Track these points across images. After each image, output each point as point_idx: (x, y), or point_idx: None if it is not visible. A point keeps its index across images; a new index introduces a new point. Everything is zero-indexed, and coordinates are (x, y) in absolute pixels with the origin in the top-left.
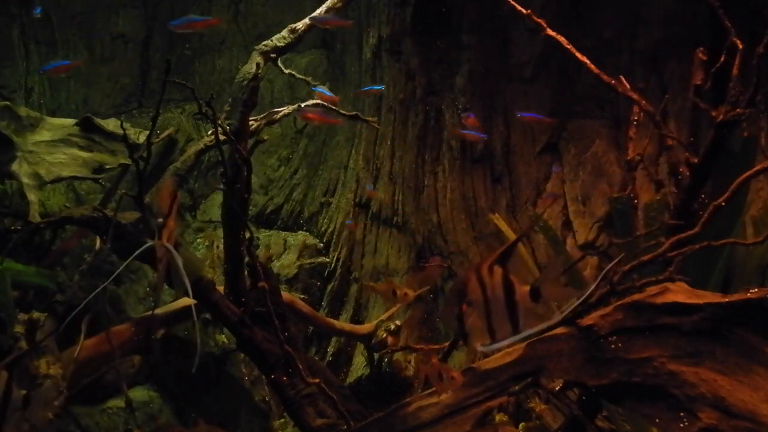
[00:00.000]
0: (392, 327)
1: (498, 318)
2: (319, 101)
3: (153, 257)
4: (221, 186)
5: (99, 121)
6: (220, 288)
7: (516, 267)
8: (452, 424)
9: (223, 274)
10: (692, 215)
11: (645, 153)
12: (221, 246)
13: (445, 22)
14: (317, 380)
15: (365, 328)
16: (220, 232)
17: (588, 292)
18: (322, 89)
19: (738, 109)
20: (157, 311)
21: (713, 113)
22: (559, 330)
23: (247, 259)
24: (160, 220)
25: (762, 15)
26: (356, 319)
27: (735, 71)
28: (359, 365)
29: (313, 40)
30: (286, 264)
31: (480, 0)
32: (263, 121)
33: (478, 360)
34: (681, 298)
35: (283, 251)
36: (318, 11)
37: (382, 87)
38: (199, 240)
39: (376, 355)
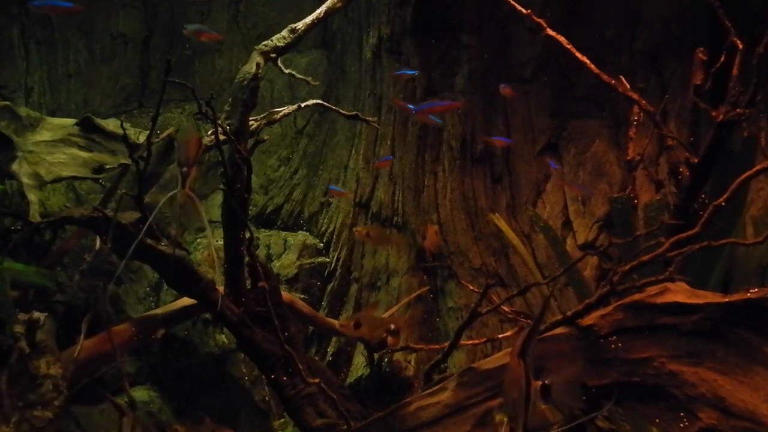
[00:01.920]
0: (392, 327)
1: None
2: (319, 101)
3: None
4: (221, 186)
5: (99, 121)
6: (220, 288)
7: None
8: (452, 424)
9: (223, 274)
10: (692, 215)
11: (645, 153)
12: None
13: (445, 22)
14: (317, 380)
15: None
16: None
17: None
18: (442, 102)
19: (738, 109)
20: (157, 311)
21: (713, 113)
22: (559, 330)
23: (247, 259)
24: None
25: (762, 15)
26: None
27: (735, 71)
28: (359, 365)
29: (313, 40)
30: (286, 264)
31: (480, 0)
32: (263, 121)
33: (478, 360)
34: (681, 298)
35: (283, 251)
36: (318, 11)
37: (415, 72)
38: (198, 240)
39: (376, 355)
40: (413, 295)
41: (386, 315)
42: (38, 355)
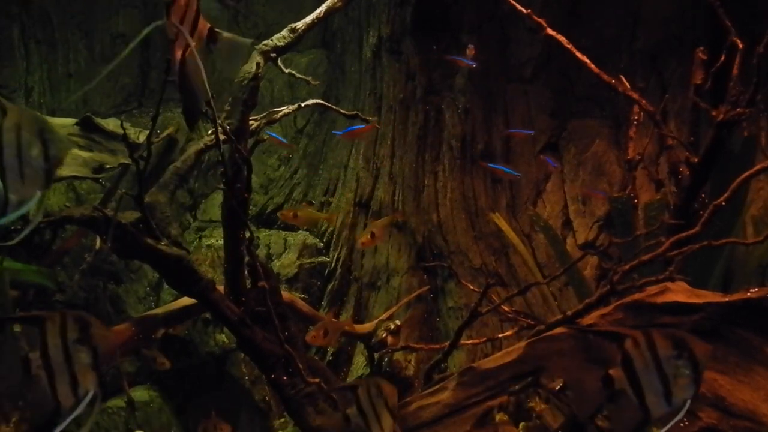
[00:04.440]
0: (392, 326)
1: None
2: (319, 100)
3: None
4: (221, 185)
5: (99, 120)
6: (220, 288)
7: None
8: (452, 423)
9: (223, 274)
10: (692, 215)
11: (645, 152)
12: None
13: (445, 22)
14: (317, 380)
15: (365, 327)
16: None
17: None
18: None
19: (738, 109)
20: (158, 310)
21: (713, 113)
22: (560, 330)
23: (247, 258)
24: None
25: (762, 15)
26: (356, 318)
27: (735, 71)
28: (359, 365)
29: (313, 39)
30: (286, 263)
31: (480, 0)
32: (263, 121)
33: (478, 359)
34: (681, 298)
35: (284, 251)
36: (318, 11)
37: (473, 63)
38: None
39: (376, 355)
40: (413, 294)
41: (385, 315)
42: None
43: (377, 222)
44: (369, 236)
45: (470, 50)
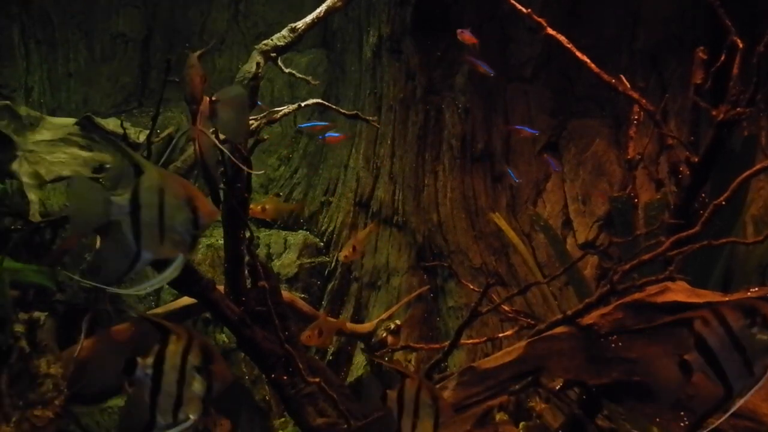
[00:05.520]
0: (392, 326)
1: None
2: (319, 100)
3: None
4: (221, 185)
5: (99, 120)
6: (220, 287)
7: None
8: (452, 423)
9: (223, 274)
10: (692, 214)
11: (645, 152)
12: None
13: (445, 21)
14: (317, 379)
15: (365, 327)
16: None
17: None
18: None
19: (738, 109)
20: (158, 310)
21: (713, 112)
22: (560, 329)
23: (247, 258)
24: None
25: (762, 15)
26: (356, 318)
27: (735, 70)
28: (359, 365)
29: (313, 39)
30: (286, 263)
31: (480, 0)
32: (263, 121)
33: (478, 359)
34: (681, 298)
35: (284, 250)
36: (318, 10)
37: (491, 71)
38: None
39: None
40: (413, 294)
41: (385, 315)
42: (38, 355)
43: (358, 234)
44: (350, 250)
45: (461, 34)
